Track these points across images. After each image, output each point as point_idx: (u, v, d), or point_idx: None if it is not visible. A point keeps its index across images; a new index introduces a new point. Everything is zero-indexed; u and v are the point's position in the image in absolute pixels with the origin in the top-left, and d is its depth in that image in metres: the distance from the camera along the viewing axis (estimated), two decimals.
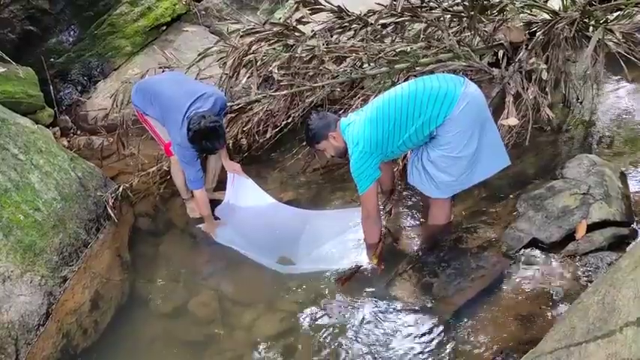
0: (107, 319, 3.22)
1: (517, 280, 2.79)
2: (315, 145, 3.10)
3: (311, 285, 3.20)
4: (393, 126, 2.83)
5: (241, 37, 4.14)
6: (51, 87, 5.30)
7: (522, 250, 2.93)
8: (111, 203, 3.89)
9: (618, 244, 2.78)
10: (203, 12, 5.78)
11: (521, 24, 4.20)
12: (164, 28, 5.69)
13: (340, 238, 3.39)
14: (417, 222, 3.42)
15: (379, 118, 2.85)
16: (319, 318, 2.97)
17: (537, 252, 2.91)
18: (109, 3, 5.51)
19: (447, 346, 2.59)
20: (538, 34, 4.11)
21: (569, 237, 2.89)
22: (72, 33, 5.47)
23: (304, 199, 3.96)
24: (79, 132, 5.30)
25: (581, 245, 2.81)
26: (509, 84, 3.98)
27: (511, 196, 3.41)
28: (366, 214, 3.05)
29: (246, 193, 3.76)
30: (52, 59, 5.39)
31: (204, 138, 3.25)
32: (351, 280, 3.11)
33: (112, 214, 3.82)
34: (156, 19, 5.60)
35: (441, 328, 2.66)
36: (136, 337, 3.17)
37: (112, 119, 4.71)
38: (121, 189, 4.01)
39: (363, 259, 3.19)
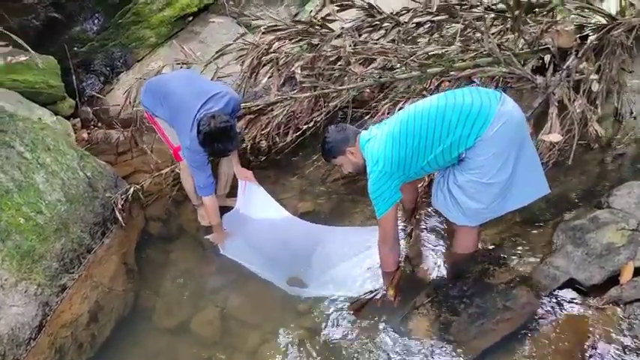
0: (106, 332, 3.06)
1: (548, 327, 2.46)
2: (332, 159, 2.84)
3: (322, 310, 2.96)
4: (418, 145, 2.53)
5: (263, 33, 3.87)
6: (73, 77, 5.17)
7: (557, 290, 2.59)
8: (120, 205, 3.72)
9: None
10: (231, 2, 5.53)
11: (572, 27, 3.79)
12: (190, 18, 5.47)
13: (356, 260, 3.12)
14: (440, 248, 3.11)
15: (402, 135, 2.55)
16: (327, 349, 2.72)
17: (574, 294, 2.57)
18: None
19: None
20: (591, 38, 3.70)
21: (613, 280, 2.53)
22: (96, 21, 5.33)
23: (322, 211, 3.70)
24: (99, 124, 5.18)
25: (625, 291, 2.45)
26: (553, 94, 3.60)
27: (549, 223, 3.06)
28: (382, 238, 2.77)
29: (257, 203, 3.53)
30: (75, 48, 5.28)
31: (215, 140, 3.03)
32: (364, 309, 2.84)
33: (120, 218, 3.65)
34: (182, 9, 5.39)
35: None
36: (135, 354, 3.01)
37: (128, 114, 4.53)
38: (131, 190, 3.84)
39: (378, 286, 2.92)
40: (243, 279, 3.30)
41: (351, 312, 2.83)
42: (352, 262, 3.11)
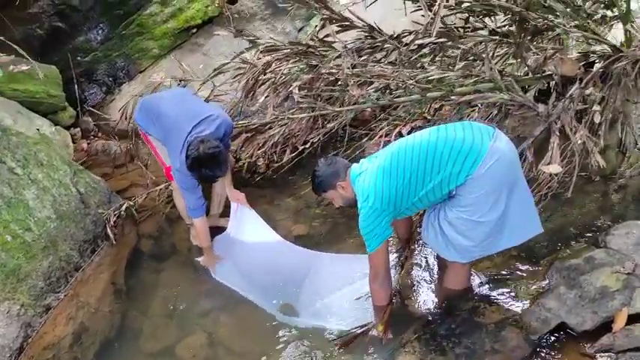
0: (89, 355, 3.01)
1: None
2: (322, 193, 2.79)
3: (311, 341, 2.89)
4: (409, 180, 2.46)
5: (261, 52, 3.82)
6: (76, 86, 5.17)
7: (548, 334, 2.50)
8: (112, 222, 3.70)
9: None
10: (236, 15, 5.51)
11: (577, 55, 3.71)
12: (194, 30, 5.45)
13: (348, 290, 3.04)
14: (431, 282, 3.04)
15: (393, 170, 2.48)
16: None
17: (565, 340, 2.48)
18: (140, 2, 5.33)
19: None
20: (597, 66, 3.62)
21: (606, 326, 2.44)
22: (100, 32, 5.33)
23: (317, 235, 3.65)
24: (100, 135, 5.16)
25: (618, 340, 2.36)
26: (555, 123, 3.51)
27: (544, 259, 2.98)
28: (374, 275, 2.70)
29: (248, 227, 3.47)
30: (78, 57, 5.28)
31: (203, 165, 2.99)
32: (353, 344, 2.77)
33: (112, 235, 3.62)
34: (186, 20, 5.37)
35: None
36: None
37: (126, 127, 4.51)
38: (124, 206, 3.81)
39: (369, 319, 2.84)
40: (234, 303, 3.25)
41: (340, 346, 2.76)
42: (344, 292, 3.04)
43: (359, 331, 2.78)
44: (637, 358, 2.28)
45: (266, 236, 3.45)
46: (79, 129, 5.13)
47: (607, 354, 2.35)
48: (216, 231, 3.61)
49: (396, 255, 3.16)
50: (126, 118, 4.12)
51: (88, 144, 5.02)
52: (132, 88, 5.23)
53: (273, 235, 3.44)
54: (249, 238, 3.46)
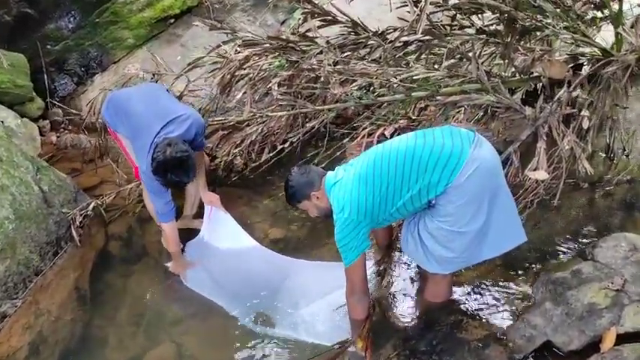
0: None
1: None
2: (296, 204, 2.63)
3: (287, 354, 2.75)
4: (386, 190, 2.32)
5: (239, 46, 3.64)
6: (45, 76, 4.92)
7: (532, 353, 2.39)
8: (78, 223, 3.49)
9: None
10: (216, 5, 5.29)
11: (565, 57, 3.59)
12: (172, 20, 5.21)
13: (327, 301, 2.88)
14: (412, 293, 2.90)
15: (369, 179, 2.34)
16: None
17: (550, 359, 2.36)
18: None
19: None
20: (585, 68, 3.51)
21: (593, 346, 2.33)
22: (72, 19, 5.07)
23: (294, 239, 3.49)
24: (70, 127, 4.93)
25: None
26: (542, 127, 3.40)
27: (529, 270, 2.87)
28: (350, 289, 2.56)
29: (222, 231, 3.30)
30: (48, 46, 5.02)
31: (169, 170, 2.80)
32: None
33: (76, 236, 3.42)
34: (163, 10, 5.13)
35: None
36: None
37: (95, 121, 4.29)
38: (92, 205, 3.61)
39: (347, 335, 2.69)
40: (205, 311, 3.08)
41: None
42: (322, 302, 2.88)
43: (337, 350, 2.63)
44: None
45: (241, 241, 3.28)
46: (47, 121, 4.88)
47: None
48: (189, 233, 3.44)
49: (374, 264, 3.01)
50: (94, 113, 3.90)
51: (58, 137, 4.78)
52: (105, 80, 4.99)
53: (248, 240, 3.28)
54: (223, 243, 3.29)
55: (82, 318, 3.10)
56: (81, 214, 3.55)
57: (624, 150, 3.57)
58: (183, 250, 3.31)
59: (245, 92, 3.62)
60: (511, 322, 2.57)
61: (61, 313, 3.05)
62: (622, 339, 2.29)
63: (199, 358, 2.90)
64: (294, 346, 2.77)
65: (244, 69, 3.60)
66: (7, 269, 2.97)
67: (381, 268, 3.01)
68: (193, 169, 2.88)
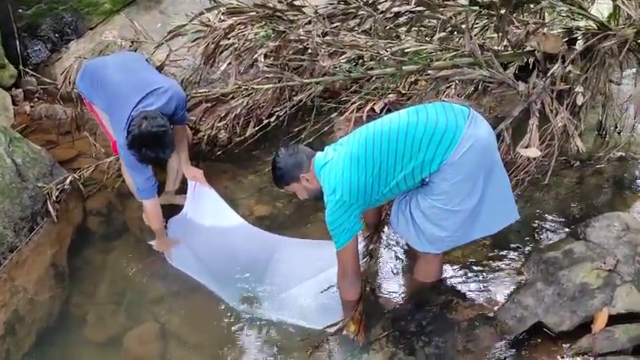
0: (24, 347, 2.73)
1: None
2: (285, 186, 2.53)
3: (273, 335, 2.68)
4: (379, 170, 2.24)
5: (223, 14, 3.47)
6: (17, 42, 4.68)
7: (523, 334, 2.36)
8: (54, 197, 3.35)
9: None
10: None
11: (560, 31, 3.50)
12: None
13: (316, 281, 2.81)
14: (402, 272, 2.85)
15: (361, 159, 2.25)
16: None
17: (541, 340, 2.34)
18: None
19: None
20: (579, 43, 3.42)
21: (585, 326, 2.31)
22: None
23: (281, 216, 3.39)
24: (45, 97, 4.71)
25: (598, 342, 2.23)
26: (535, 103, 3.32)
27: (521, 250, 2.84)
28: (342, 272, 2.48)
29: (206, 208, 3.19)
30: (20, 10, 4.75)
31: (145, 144, 2.67)
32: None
33: (53, 212, 3.28)
34: None
35: None
36: None
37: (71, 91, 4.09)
38: (69, 180, 3.46)
39: (338, 315, 2.62)
40: (189, 289, 2.99)
41: (311, 350, 2.52)
42: (311, 283, 2.81)
43: (329, 331, 2.56)
44: None
45: (226, 218, 3.18)
46: (20, 90, 4.66)
47: (586, 357, 2.22)
48: (172, 209, 3.33)
49: (364, 243, 2.94)
50: (69, 83, 3.71)
51: (31, 107, 4.57)
52: (80, 47, 4.77)
53: (234, 217, 3.18)
54: (208, 220, 3.18)
55: (59, 295, 3.00)
56: (57, 189, 3.39)
57: (616, 127, 3.53)
58: (165, 227, 3.19)
59: (230, 63, 3.46)
60: (502, 302, 2.54)
61: (37, 291, 2.94)
62: (614, 320, 2.27)
63: (182, 337, 2.81)
64: (281, 326, 2.70)
65: (229, 39, 3.44)
66: None
67: (370, 248, 2.94)
68: (171, 144, 2.75)
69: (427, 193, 2.30)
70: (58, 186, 3.41)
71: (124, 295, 3.06)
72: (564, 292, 2.40)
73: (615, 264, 2.43)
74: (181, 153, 3.18)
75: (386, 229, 3.08)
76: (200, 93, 3.69)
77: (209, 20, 3.57)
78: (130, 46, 3.82)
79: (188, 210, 3.21)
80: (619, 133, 3.50)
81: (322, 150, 2.48)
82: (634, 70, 3.40)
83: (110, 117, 2.88)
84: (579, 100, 3.25)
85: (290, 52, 3.52)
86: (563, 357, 2.26)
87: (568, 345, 2.29)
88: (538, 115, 3.28)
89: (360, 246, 2.88)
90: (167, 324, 2.86)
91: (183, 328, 2.85)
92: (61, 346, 2.79)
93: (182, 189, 3.46)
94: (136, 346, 2.77)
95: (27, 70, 4.62)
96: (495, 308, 2.51)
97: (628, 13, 3.16)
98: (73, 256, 3.24)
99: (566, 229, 2.89)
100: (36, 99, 4.68)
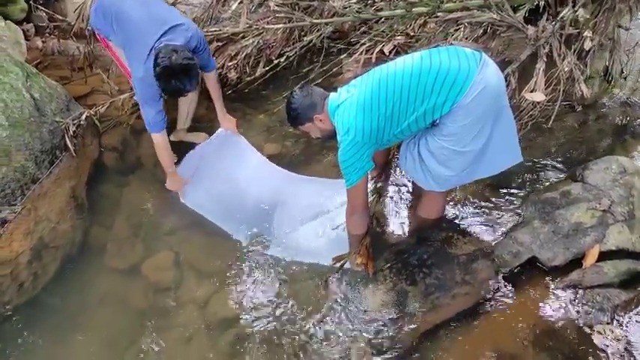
0: (50, 272, 2.91)
1: (504, 306, 2.40)
2: (299, 126, 2.61)
3: (279, 271, 2.83)
4: (391, 112, 2.31)
5: None
6: None
7: (518, 267, 2.51)
8: (72, 132, 3.44)
9: (632, 283, 2.35)
10: None
11: None
12: None
13: (323, 220, 2.95)
14: (406, 209, 2.98)
15: (374, 101, 2.32)
16: (275, 313, 2.64)
17: (535, 274, 2.49)
18: None
19: None
20: None
21: (577, 261, 2.45)
22: None
23: (289, 154, 3.50)
24: (56, 32, 4.72)
25: (587, 276, 2.38)
26: (543, 47, 3.35)
27: (520, 190, 2.95)
28: (351, 209, 2.61)
29: (231, 150, 3.30)
30: None
31: (174, 76, 2.71)
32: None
33: (71, 146, 3.38)
34: None
35: (402, 350, 2.32)
36: (81, 296, 2.88)
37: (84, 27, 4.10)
38: (85, 115, 3.55)
39: (346, 252, 2.77)
40: (202, 222, 3.14)
41: (323, 286, 2.68)
42: (320, 220, 2.94)
43: (338, 265, 2.72)
44: (604, 294, 2.32)
45: (246, 157, 3.29)
46: (32, 24, 4.66)
47: (575, 289, 2.38)
48: (186, 147, 3.43)
49: (371, 182, 3.06)
50: (83, 20, 3.73)
51: (43, 42, 4.59)
52: None
53: (255, 155, 3.30)
54: (224, 161, 3.28)
55: (80, 226, 3.16)
56: (74, 124, 3.48)
57: (622, 72, 3.57)
58: (176, 164, 3.31)
59: (241, 2, 3.47)
60: (499, 238, 2.67)
61: (60, 220, 3.08)
62: (604, 256, 2.41)
63: (196, 266, 2.98)
64: (287, 263, 2.84)
65: None
66: (4, 176, 2.95)
67: (377, 186, 3.06)
68: (197, 78, 2.82)
69: (436, 133, 2.38)
70: (75, 121, 3.50)
71: (140, 226, 3.21)
72: (559, 230, 2.53)
73: (609, 205, 2.55)
74: (216, 102, 3.27)
75: (392, 170, 3.19)
76: (211, 32, 3.71)
77: None
78: None
79: (205, 150, 3.31)
80: (625, 78, 3.53)
81: (332, 91, 2.56)
82: None
83: (127, 51, 2.91)
84: (587, 45, 3.27)
85: None
86: (553, 289, 2.42)
87: (559, 278, 2.44)
88: (545, 59, 3.32)
89: (369, 185, 3.02)
90: (181, 253, 3.03)
91: (196, 258, 3.02)
92: (84, 271, 2.98)
93: (192, 128, 3.56)
94: (153, 273, 2.95)
95: (37, 5, 4.59)
96: (493, 244, 2.65)
97: None
98: (92, 189, 3.38)
99: (566, 172, 2.99)
100: (47, 34, 4.69)
